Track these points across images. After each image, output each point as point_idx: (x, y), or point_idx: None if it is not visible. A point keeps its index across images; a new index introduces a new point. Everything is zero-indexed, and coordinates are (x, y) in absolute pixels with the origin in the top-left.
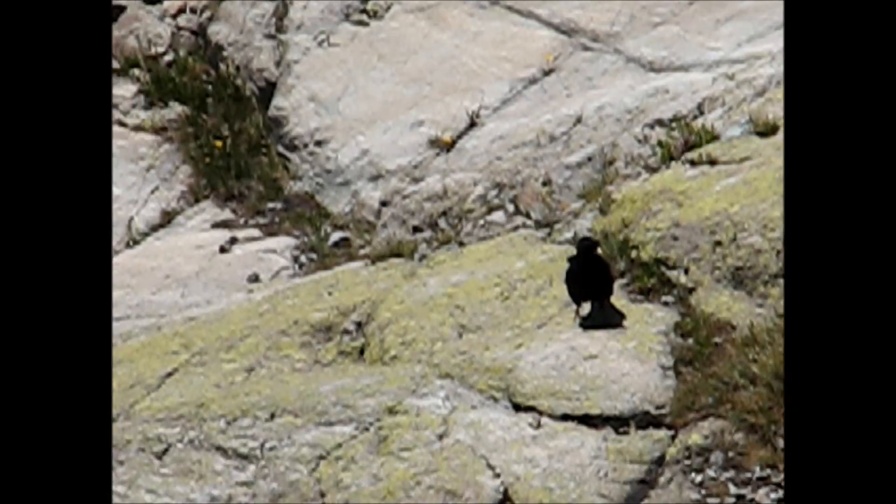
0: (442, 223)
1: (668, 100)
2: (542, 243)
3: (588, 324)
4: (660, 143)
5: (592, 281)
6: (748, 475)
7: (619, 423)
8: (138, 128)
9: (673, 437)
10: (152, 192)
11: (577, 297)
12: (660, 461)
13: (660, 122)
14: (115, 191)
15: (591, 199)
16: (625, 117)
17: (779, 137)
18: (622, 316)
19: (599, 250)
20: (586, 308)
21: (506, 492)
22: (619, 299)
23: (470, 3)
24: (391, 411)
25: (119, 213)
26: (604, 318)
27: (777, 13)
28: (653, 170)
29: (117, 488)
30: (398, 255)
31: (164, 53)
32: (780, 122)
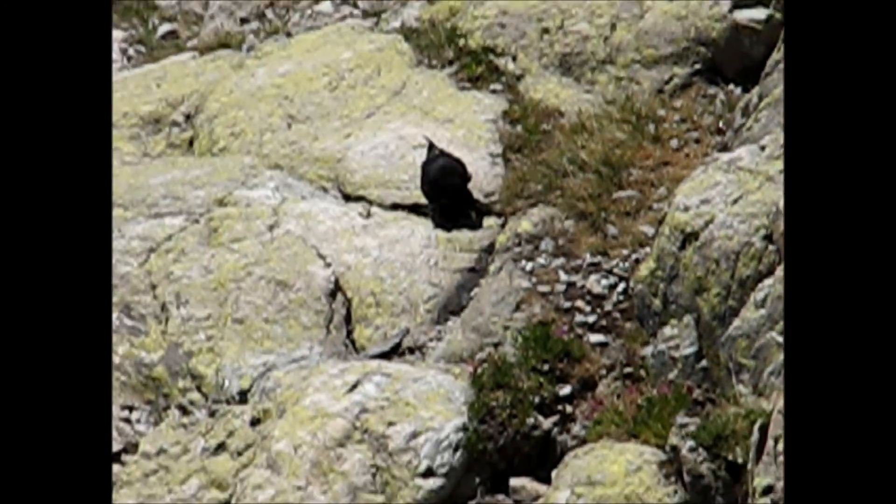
0: (269, 14)
1: None
2: (369, 32)
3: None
4: None
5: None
6: (578, 262)
7: None
8: None
9: (503, 225)
10: None
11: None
12: (490, 249)
13: None
14: None
15: None
16: None
17: None
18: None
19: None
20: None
21: (337, 281)
22: (447, 88)
23: None
24: (221, 203)
25: None
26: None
27: None
28: None
29: None
30: (226, 47)
31: None
32: None
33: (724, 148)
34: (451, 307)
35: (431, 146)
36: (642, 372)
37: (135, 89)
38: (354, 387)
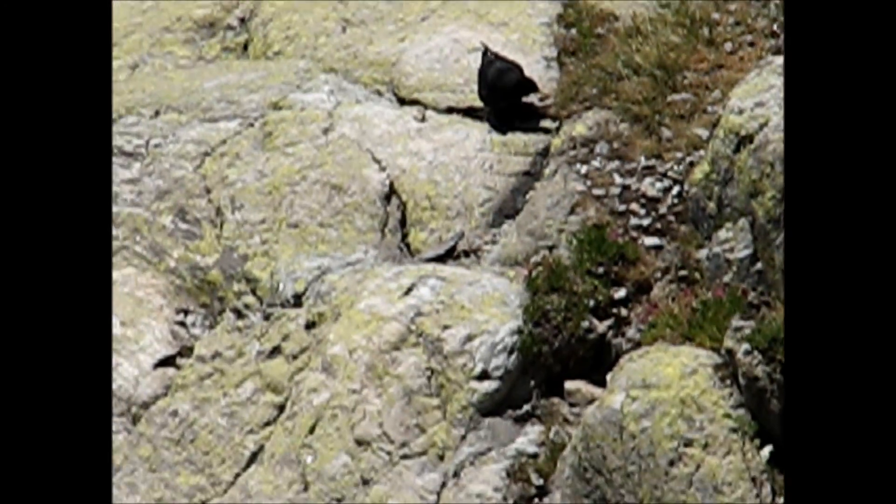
0: None
1: None
2: None
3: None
4: None
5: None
6: (633, 165)
7: None
8: None
9: (557, 129)
10: None
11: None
12: (545, 153)
13: None
14: None
15: None
16: None
17: None
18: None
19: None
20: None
21: (391, 185)
22: None
23: None
24: (276, 106)
25: None
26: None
27: None
28: None
29: None
30: None
31: None
32: None
33: (779, 51)
34: (506, 210)
35: (486, 52)
36: (697, 275)
37: None
38: (409, 290)
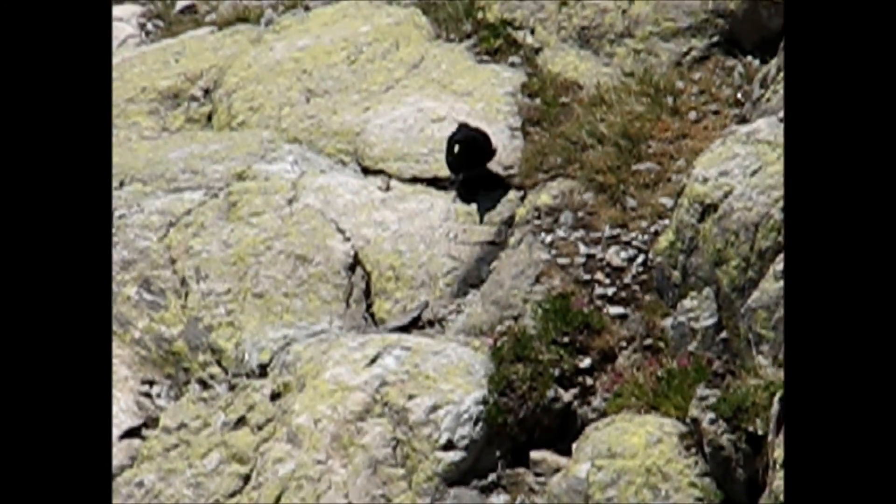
0: None
1: None
2: (387, 6)
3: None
4: None
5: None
6: (598, 234)
7: None
8: None
9: (522, 198)
10: None
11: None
12: (509, 222)
13: None
14: None
15: None
16: None
17: None
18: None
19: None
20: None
21: (356, 255)
22: (465, 61)
23: None
24: (240, 177)
25: None
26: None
27: None
28: None
29: None
30: (244, 21)
31: None
32: None
33: (743, 120)
34: (471, 280)
35: (460, 127)
36: (662, 344)
37: (153, 64)
38: (374, 360)
